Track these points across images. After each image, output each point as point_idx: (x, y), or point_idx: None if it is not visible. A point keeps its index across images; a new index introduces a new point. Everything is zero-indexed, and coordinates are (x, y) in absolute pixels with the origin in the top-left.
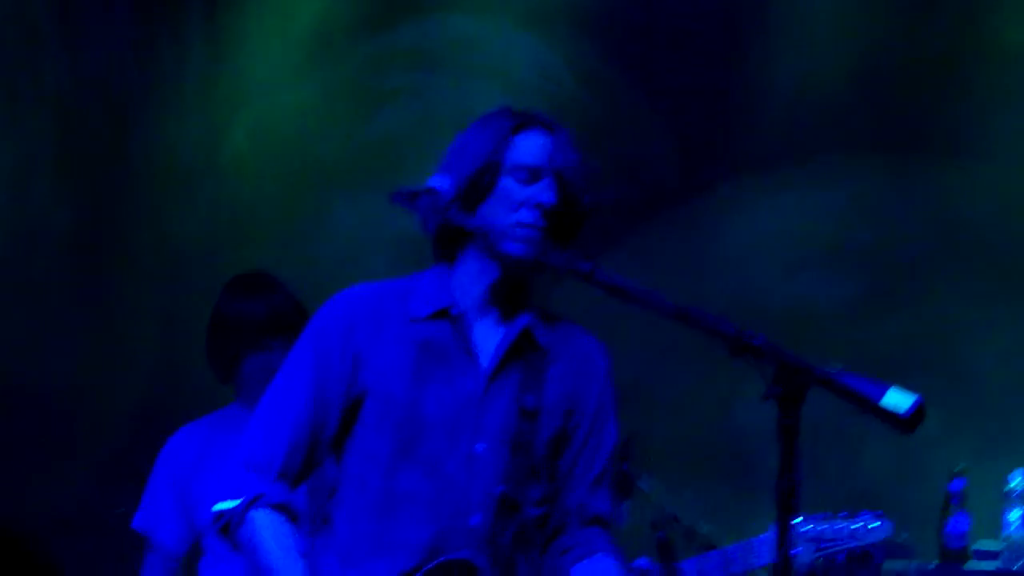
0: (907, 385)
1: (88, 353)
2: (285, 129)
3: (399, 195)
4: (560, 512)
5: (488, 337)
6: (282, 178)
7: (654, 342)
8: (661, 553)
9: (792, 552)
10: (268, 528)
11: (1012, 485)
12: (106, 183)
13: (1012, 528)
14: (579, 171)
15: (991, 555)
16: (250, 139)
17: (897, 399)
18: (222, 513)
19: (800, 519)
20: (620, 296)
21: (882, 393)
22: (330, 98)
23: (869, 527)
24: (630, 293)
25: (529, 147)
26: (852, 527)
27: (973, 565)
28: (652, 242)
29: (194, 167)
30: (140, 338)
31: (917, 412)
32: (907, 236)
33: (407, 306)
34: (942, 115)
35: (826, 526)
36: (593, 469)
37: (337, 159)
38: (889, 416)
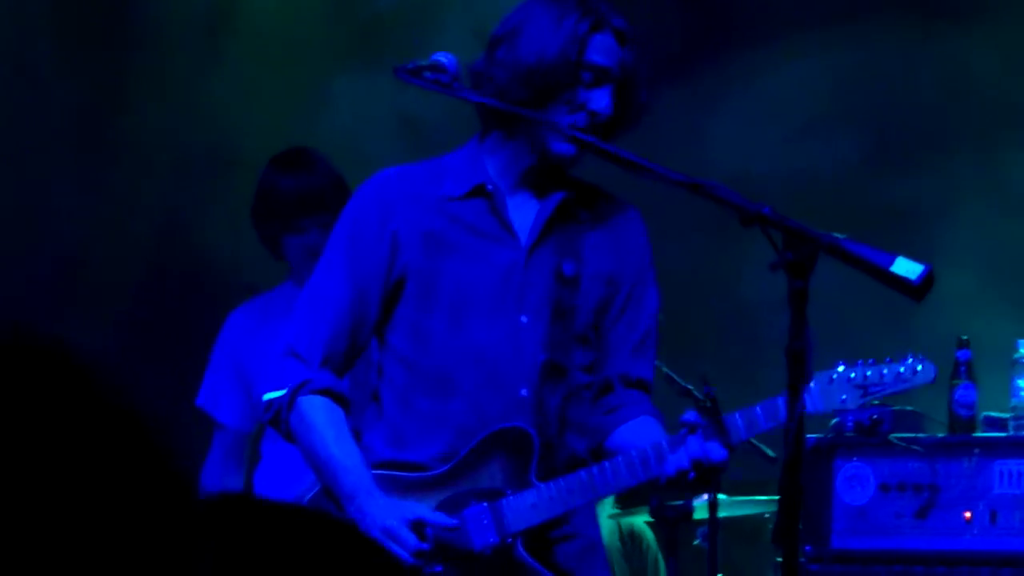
0: (914, 248)
1: (93, 220)
2: (285, 8)
3: (403, 70)
4: (604, 376)
5: (524, 212)
6: (281, 59)
7: (662, 214)
8: (708, 407)
9: (841, 399)
10: (317, 413)
11: (1021, 352)
12: (108, 54)
13: (1021, 396)
14: (643, 84)
15: (1000, 423)
16: (248, 23)
17: (907, 267)
18: (271, 403)
19: (842, 367)
20: (631, 168)
21: (891, 261)
22: None
23: (917, 369)
24: (640, 165)
25: (603, 51)
26: (898, 370)
27: (981, 433)
28: (655, 114)
29: (197, 40)
30: (144, 207)
31: (927, 279)
32: (912, 100)
33: (442, 186)
34: None
35: (870, 371)
36: (635, 334)
37: (335, 38)
38: (899, 283)
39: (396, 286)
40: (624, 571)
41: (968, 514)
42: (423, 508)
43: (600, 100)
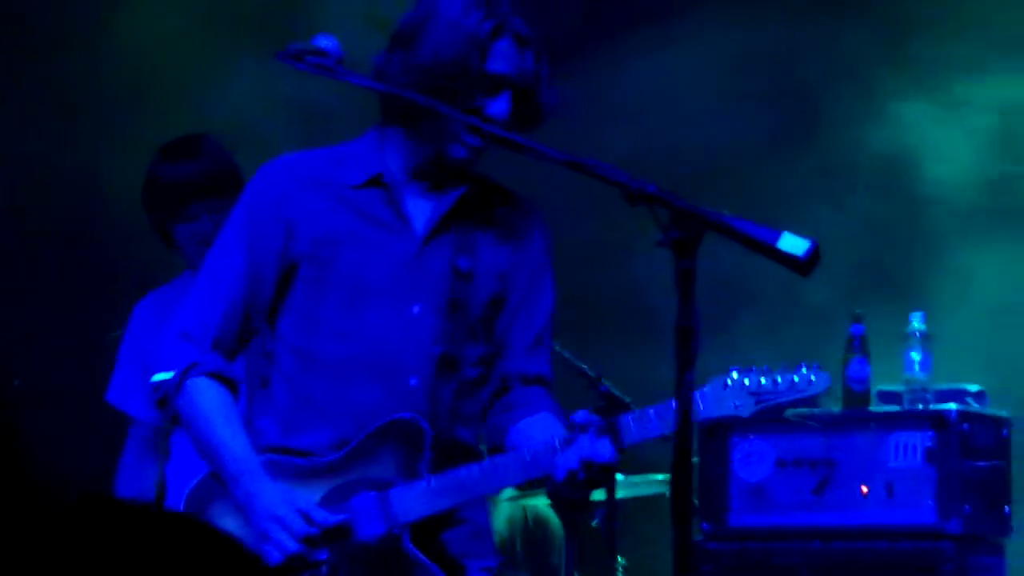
0: (813, 227)
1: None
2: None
3: (285, 54)
4: (501, 374)
5: (422, 205)
6: (180, 37)
7: (551, 196)
8: (602, 407)
9: (734, 405)
10: (204, 395)
11: (913, 326)
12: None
13: (914, 369)
14: (543, 88)
15: (894, 397)
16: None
17: (793, 242)
18: (159, 384)
19: (736, 373)
20: (512, 147)
21: (777, 237)
22: None
23: (811, 379)
24: (520, 144)
25: (502, 58)
26: (792, 379)
27: (876, 408)
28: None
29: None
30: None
31: (813, 254)
32: (802, 78)
33: (340, 173)
34: None
35: (765, 379)
36: (530, 332)
37: (235, 19)
38: (786, 259)
39: (289, 272)
40: (529, 556)
41: (865, 488)
42: (310, 501)
43: (497, 107)
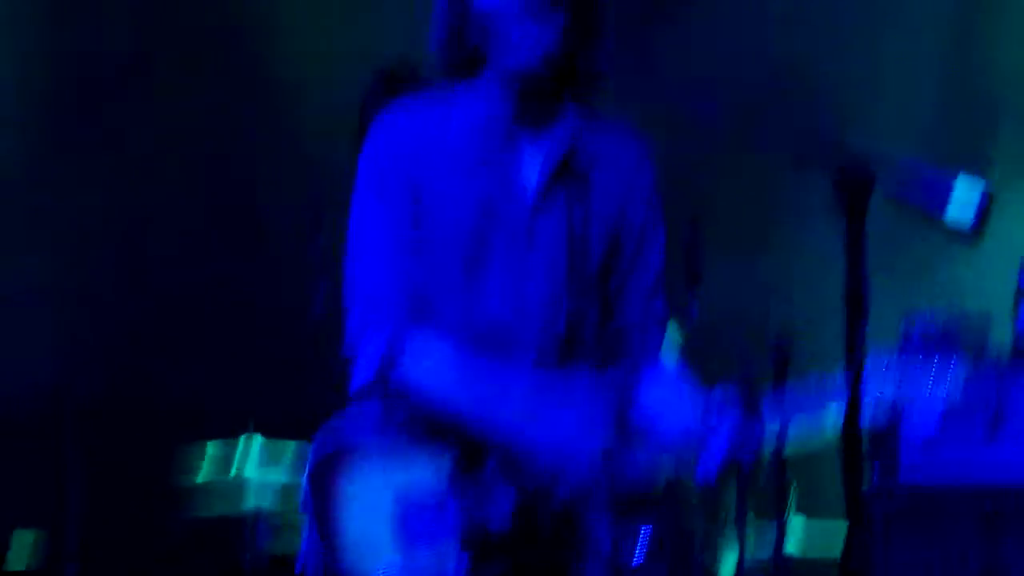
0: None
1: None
2: None
3: None
4: (617, 327)
5: (532, 156)
6: None
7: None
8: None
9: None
10: (440, 356)
11: None
12: None
13: None
14: None
15: None
16: None
17: (963, 199)
18: (360, 390)
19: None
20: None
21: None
22: None
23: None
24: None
25: None
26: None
27: None
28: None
29: None
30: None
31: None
32: None
33: (448, 125)
34: None
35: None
36: (646, 281)
37: None
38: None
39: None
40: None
41: None
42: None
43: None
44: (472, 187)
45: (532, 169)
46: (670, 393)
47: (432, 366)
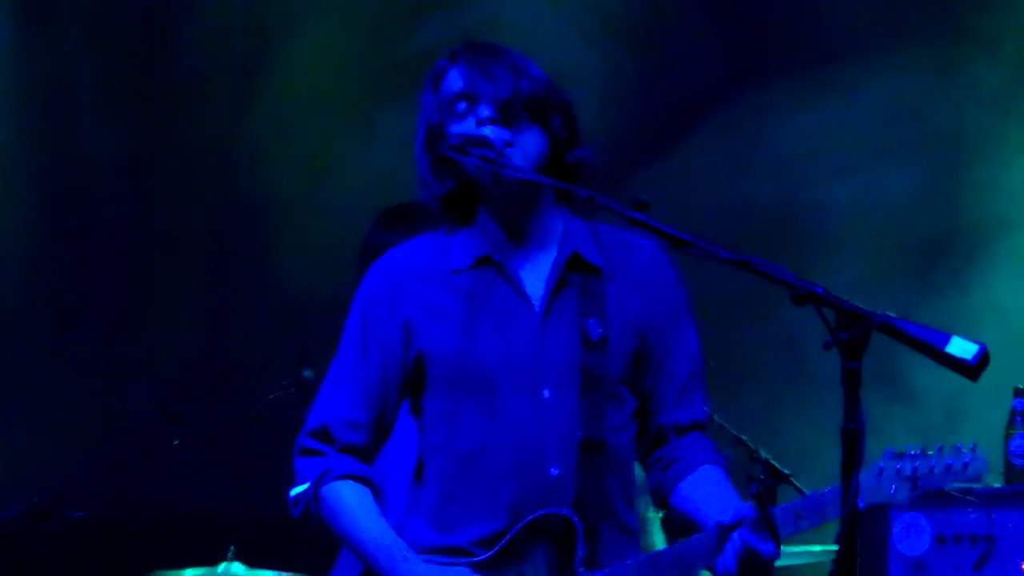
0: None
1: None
2: (324, 60)
3: (448, 145)
4: (656, 425)
5: (536, 273)
6: (327, 94)
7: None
8: (758, 502)
9: (891, 492)
10: (342, 498)
11: None
12: (150, 107)
13: None
14: (499, 74)
15: None
16: (283, 65)
17: (962, 346)
18: (296, 499)
19: (889, 460)
20: (674, 243)
21: (946, 341)
22: (369, 27)
23: (966, 462)
24: (682, 239)
25: (448, 88)
26: (948, 463)
27: None
28: (700, 145)
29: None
30: (192, 264)
31: (982, 359)
32: (954, 128)
33: (448, 259)
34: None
35: (919, 463)
36: (678, 380)
37: (374, 74)
38: (955, 363)
39: (416, 372)
40: None
41: None
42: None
43: (475, 114)
44: (479, 311)
45: (540, 278)
46: (702, 481)
47: (333, 509)
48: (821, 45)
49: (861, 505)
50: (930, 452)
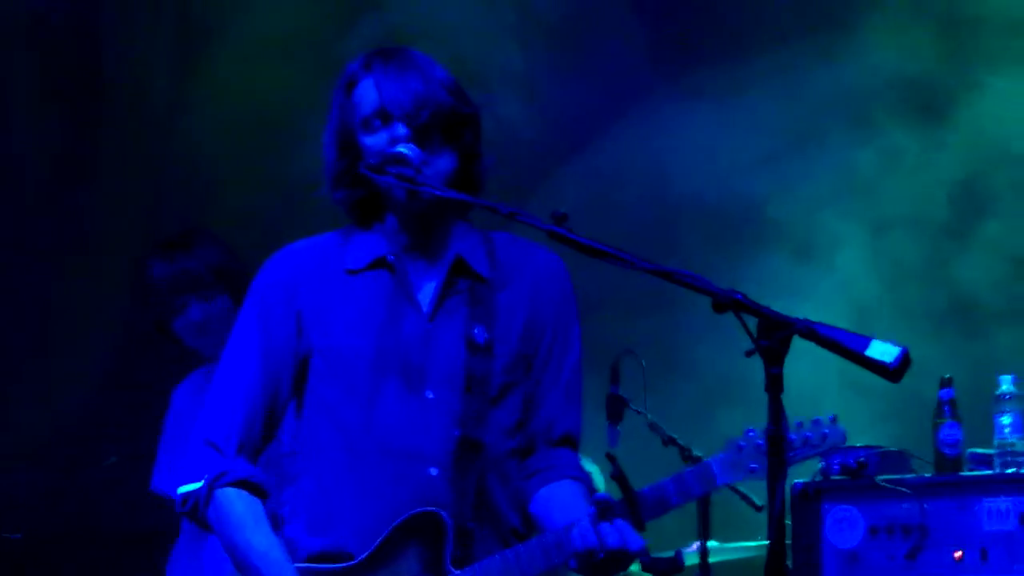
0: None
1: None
2: (257, 60)
3: (367, 165)
4: (529, 434)
5: (429, 278)
6: (255, 108)
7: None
8: (619, 485)
9: (750, 468)
10: (234, 506)
11: (1003, 389)
12: (84, 112)
13: (1005, 433)
14: (415, 92)
15: (986, 460)
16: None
17: (883, 349)
18: (187, 496)
19: (749, 435)
20: (592, 254)
21: (866, 344)
22: (302, 27)
23: (824, 432)
24: (604, 251)
25: (362, 99)
26: (806, 435)
27: (969, 472)
28: (625, 138)
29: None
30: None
31: (903, 362)
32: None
33: (346, 258)
34: None
35: (802, 433)
36: (557, 386)
37: (307, 78)
38: (876, 366)
39: (303, 366)
40: None
41: (958, 553)
42: None
43: (393, 131)
44: (370, 310)
45: (430, 284)
46: (561, 492)
47: (224, 516)
48: (743, 36)
49: (721, 481)
50: (790, 428)
